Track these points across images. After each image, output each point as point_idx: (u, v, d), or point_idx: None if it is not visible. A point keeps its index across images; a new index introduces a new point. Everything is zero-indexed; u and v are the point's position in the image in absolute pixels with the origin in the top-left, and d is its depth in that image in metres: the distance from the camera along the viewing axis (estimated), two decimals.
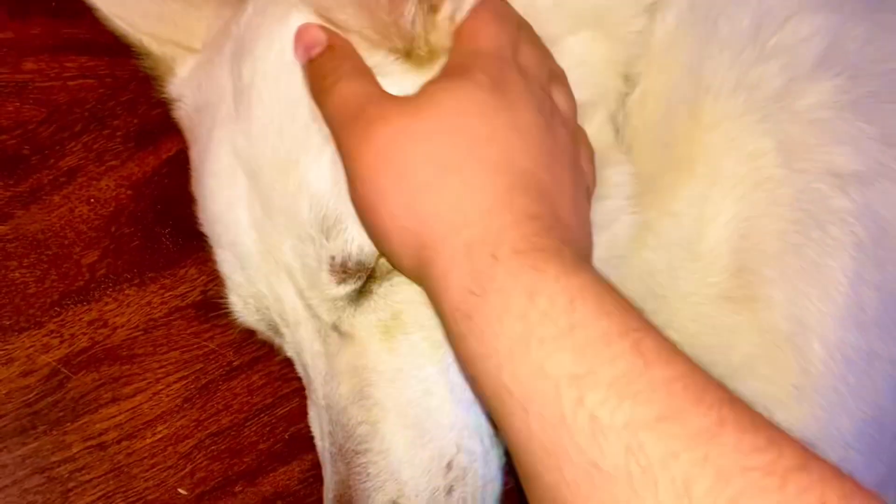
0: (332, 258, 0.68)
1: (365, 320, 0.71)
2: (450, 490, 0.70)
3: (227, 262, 0.78)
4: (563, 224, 0.57)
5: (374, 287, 0.70)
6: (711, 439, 0.45)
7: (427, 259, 0.57)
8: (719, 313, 0.77)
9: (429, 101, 0.59)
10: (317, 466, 1.02)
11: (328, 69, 0.65)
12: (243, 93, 0.72)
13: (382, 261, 0.68)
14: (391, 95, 0.62)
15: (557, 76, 0.69)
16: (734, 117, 0.80)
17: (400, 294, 0.70)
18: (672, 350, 0.49)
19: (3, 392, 0.90)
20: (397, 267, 0.64)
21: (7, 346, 0.90)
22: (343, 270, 0.68)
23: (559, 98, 0.66)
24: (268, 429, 1.01)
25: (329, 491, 0.72)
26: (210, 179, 0.75)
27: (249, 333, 0.88)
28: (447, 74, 0.62)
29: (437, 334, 0.70)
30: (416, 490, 0.69)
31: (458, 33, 0.65)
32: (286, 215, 0.69)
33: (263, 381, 1.02)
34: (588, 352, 0.48)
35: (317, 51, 0.67)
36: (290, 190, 0.68)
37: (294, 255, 0.69)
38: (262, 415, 1.01)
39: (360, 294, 0.70)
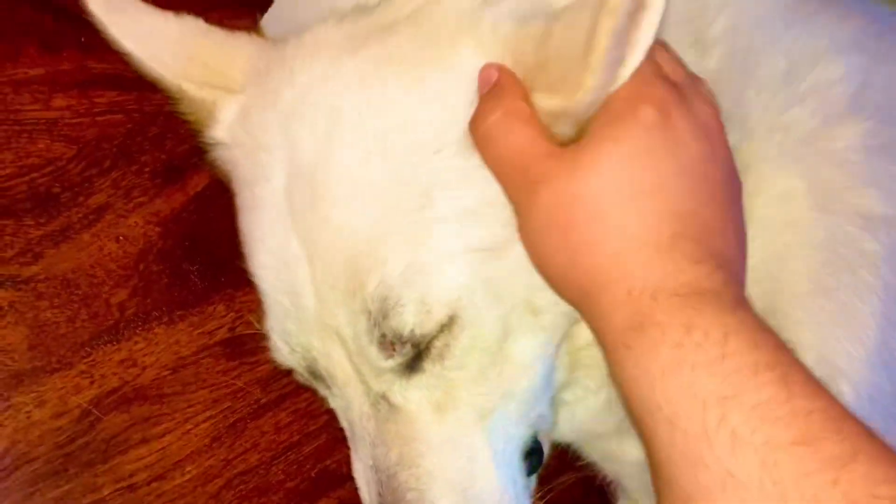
0: (384, 336, 0.70)
1: (417, 395, 0.74)
2: None
3: (278, 307, 0.78)
4: (725, 260, 0.61)
5: (428, 366, 0.73)
6: (844, 466, 0.48)
7: (590, 303, 0.63)
8: None
9: (592, 156, 0.60)
10: (343, 503, 1.02)
11: (487, 106, 0.66)
12: (306, 167, 0.71)
13: (436, 343, 0.72)
14: (554, 151, 0.63)
15: (694, 80, 0.70)
16: (768, 159, 0.82)
17: (453, 374, 0.73)
18: (817, 386, 0.53)
19: (36, 434, 0.89)
20: (564, 299, 0.68)
21: (39, 388, 0.90)
22: (392, 347, 0.71)
23: (704, 106, 0.66)
24: (295, 467, 1.01)
25: None
26: (263, 230, 0.75)
27: (276, 371, 0.89)
28: (612, 113, 0.62)
29: (485, 405, 0.75)
30: None
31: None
32: (347, 286, 0.70)
33: (290, 419, 1.02)
34: (736, 378, 0.53)
35: (485, 89, 0.68)
36: (361, 270, 0.69)
37: (347, 324, 0.71)
38: (290, 453, 1.01)
39: (412, 371, 0.73)
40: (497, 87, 0.67)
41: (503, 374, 0.76)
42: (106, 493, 0.91)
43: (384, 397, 0.75)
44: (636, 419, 0.59)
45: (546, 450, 0.86)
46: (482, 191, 0.69)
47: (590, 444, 0.99)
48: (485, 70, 0.69)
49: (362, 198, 0.69)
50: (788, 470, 0.49)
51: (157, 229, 0.98)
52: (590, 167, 0.60)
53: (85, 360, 0.92)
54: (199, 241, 1.00)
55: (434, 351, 0.72)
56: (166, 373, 0.96)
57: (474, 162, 0.69)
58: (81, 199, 0.95)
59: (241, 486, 0.98)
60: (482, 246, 0.71)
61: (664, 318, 0.56)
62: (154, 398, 0.95)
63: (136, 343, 0.95)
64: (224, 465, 0.97)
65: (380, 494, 0.76)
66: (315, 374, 0.81)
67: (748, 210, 0.80)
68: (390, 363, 0.72)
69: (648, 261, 0.59)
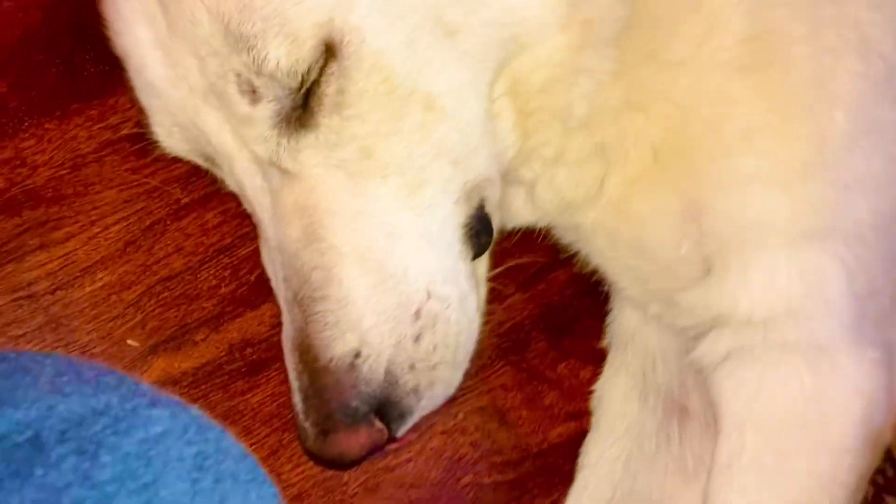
0: (239, 75, 0.61)
1: (316, 157, 0.64)
2: (418, 338, 0.66)
3: (140, 89, 0.70)
4: None
5: (324, 119, 0.63)
6: None
7: None
8: (724, 80, 0.71)
9: None
10: None
11: None
12: None
13: (331, 89, 0.61)
14: None
15: None
16: None
17: (357, 127, 0.63)
18: None
19: None
20: None
21: None
22: (252, 89, 0.61)
23: None
24: (229, 271, 0.89)
25: (287, 339, 0.68)
26: None
27: (198, 168, 0.78)
28: None
29: (420, 175, 0.65)
30: (380, 338, 0.65)
31: None
32: (186, 28, 0.62)
33: (219, 220, 0.90)
34: None
35: None
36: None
37: (199, 73, 0.63)
38: (221, 256, 0.89)
39: (302, 127, 0.63)
40: None
41: (426, 127, 0.65)
42: (1, 303, 0.82)
43: (273, 163, 0.65)
44: None
45: (495, 224, 0.74)
46: None
47: (562, 224, 0.85)
48: None
49: None
50: None
51: (39, 14, 0.86)
52: None
53: None
54: (92, 24, 0.86)
55: (327, 99, 0.62)
56: (63, 172, 0.85)
57: None
58: None
59: (164, 294, 0.86)
60: None
61: None
62: (51, 200, 0.84)
63: (23, 140, 0.85)
64: (143, 271, 0.86)
65: (285, 279, 0.67)
66: (207, 156, 0.71)
67: None
68: (261, 112, 0.63)
69: None
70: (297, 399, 0.68)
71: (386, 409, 0.67)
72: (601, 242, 0.81)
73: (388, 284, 0.66)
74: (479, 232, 0.71)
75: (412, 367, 0.67)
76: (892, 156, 0.70)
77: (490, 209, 0.73)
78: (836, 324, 0.71)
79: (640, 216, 0.76)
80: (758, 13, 0.70)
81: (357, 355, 0.65)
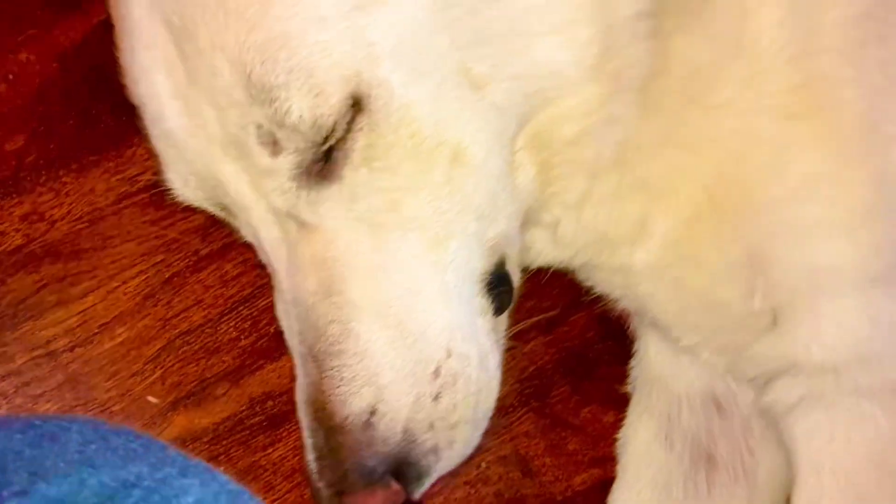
0: (259, 126, 0.60)
1: (336, 209, 0.63)
2: (437, 396, 0.65)
3: (156, 137, 0.68)
4: None
5: (347, 171, 0.61)
6: None
7: None
8: (775, 128, 0.70)
9: None
10: None
11: None
12: None
13: (359, 144, 0.60)
14: None
15: None
16: None
17: (385, 180, 0.62)
18: None
19: None
20: None
21: None
22: (273, 140, 0.60)
23: None
24: (248, 323, 0.88)
25: (301, 395, 0.67)
26: (128, 39, 0.67)
27: (216, 218, 0.76)
28: None
29: (445, 230, 0.64)
30: (398, 396, 0.64)
31: None
32: (206, 78, 0.60)
33: (239, 270, 0.89)
34: None
35: None
36: (205, 47, 0.60)
37: (219, 126, 0.61)
38: (241, 308, 0.89)
39: (324, 179, 0.62)
40: None
41: (454, 180, 0.64)
42: (20, 362, 0.81)
43: (291, 215, 0.64)
44: None
45: (515, 280, 0.73)
46: None
47: (582, 263, 0.83)
48: None
49: None
50: None
51: (56, 65, 0.86)
52: None
53: None
54: (109, 75, 0.86)
55: (355, 154, 0.61)
56: (81, 226, 0.85)
57: None
58: None
59: (184, 348, 0.86)
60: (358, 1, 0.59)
61: None
62: (69, 255, 0.84)
63: (40, 195, 0.84)
64: (162, 326, 0.86)
65: (300, 333, 0.65)
66: (223, 206, 0.70)
67: None
68: (281, 163, 0.61)
69: None
70: (310, 457, 0.67)
71: (403, 469, 0.65)
72: (656, 287, 0.79)
73: (407, 341, 0.64)
74: (500, 289, 0.70)
75: (431, 426, 0.66)
76: None
77: (510, 267, 0.72)
78: None
79: (706, 267, 0.75)
80: (803, 60, 0.69)
81: (373, 413, 0.64)
